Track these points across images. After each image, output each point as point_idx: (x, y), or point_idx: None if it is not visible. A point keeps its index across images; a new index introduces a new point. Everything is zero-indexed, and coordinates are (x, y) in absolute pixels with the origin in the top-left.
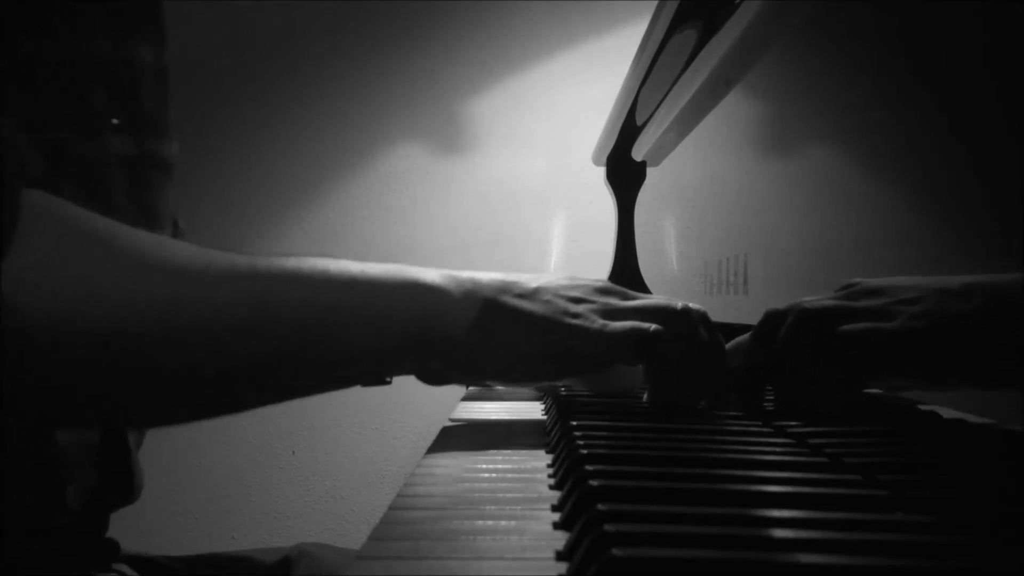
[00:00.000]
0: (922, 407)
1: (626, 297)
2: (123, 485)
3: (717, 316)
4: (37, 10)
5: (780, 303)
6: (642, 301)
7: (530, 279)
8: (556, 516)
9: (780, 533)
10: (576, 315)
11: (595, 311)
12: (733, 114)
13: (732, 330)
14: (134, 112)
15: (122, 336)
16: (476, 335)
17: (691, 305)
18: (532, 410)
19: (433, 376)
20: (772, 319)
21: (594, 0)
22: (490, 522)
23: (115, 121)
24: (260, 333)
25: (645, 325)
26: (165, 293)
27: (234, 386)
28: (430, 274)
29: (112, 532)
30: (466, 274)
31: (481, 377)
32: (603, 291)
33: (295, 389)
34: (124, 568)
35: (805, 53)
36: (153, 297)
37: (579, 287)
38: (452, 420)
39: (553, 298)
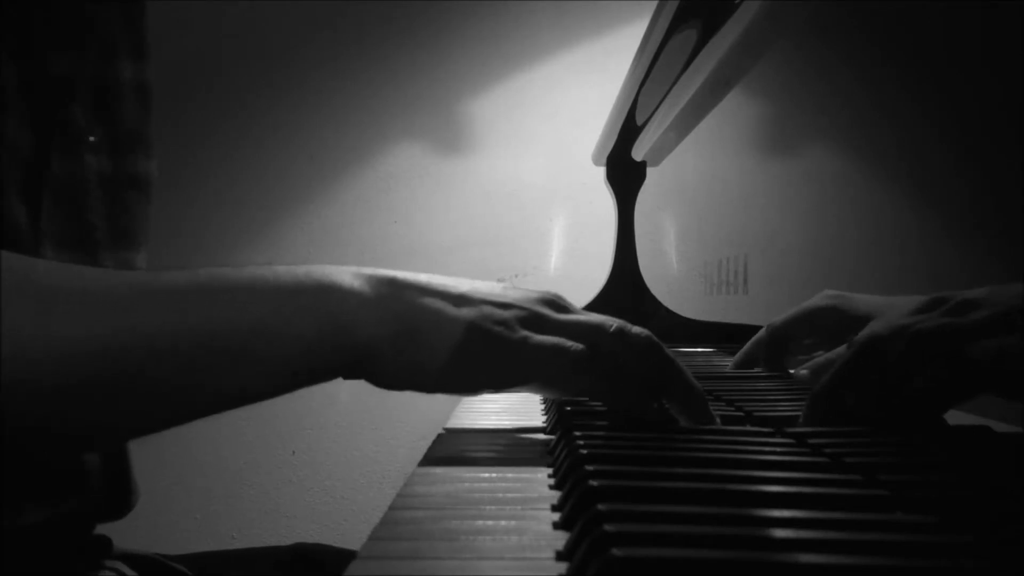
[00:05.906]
0: None
1: (561, 311)
2: (118, 502)
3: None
4: (13, 24)
5: (780, 303)
6: (574, 317)
7: (459, 283)
8: (556, 516)
9: (780, 533)
10: (500, 322)
11: (521, 320)
12: (733, 114)
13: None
14: (112, 128)
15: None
16: (397, 342)
17: (630, 326)
18: (534, 408)
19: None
20: (874, 342)
21: (594, 0)
22: (490, 522)
23: (92, 139)
24: (152, 352)
25: (568, 343)
26: (73, 322)
27: (143, 403)
28: (342, 276)
29: (111, 532)
30: (385, 274)
31: (411, 388)
32: (538, 301)
33: (213, 403)
34: (121, 566)
35: (805, 53)
36: (61, 328)
37: (511, 295)
38: (446, 429)
39: (480, 304)
